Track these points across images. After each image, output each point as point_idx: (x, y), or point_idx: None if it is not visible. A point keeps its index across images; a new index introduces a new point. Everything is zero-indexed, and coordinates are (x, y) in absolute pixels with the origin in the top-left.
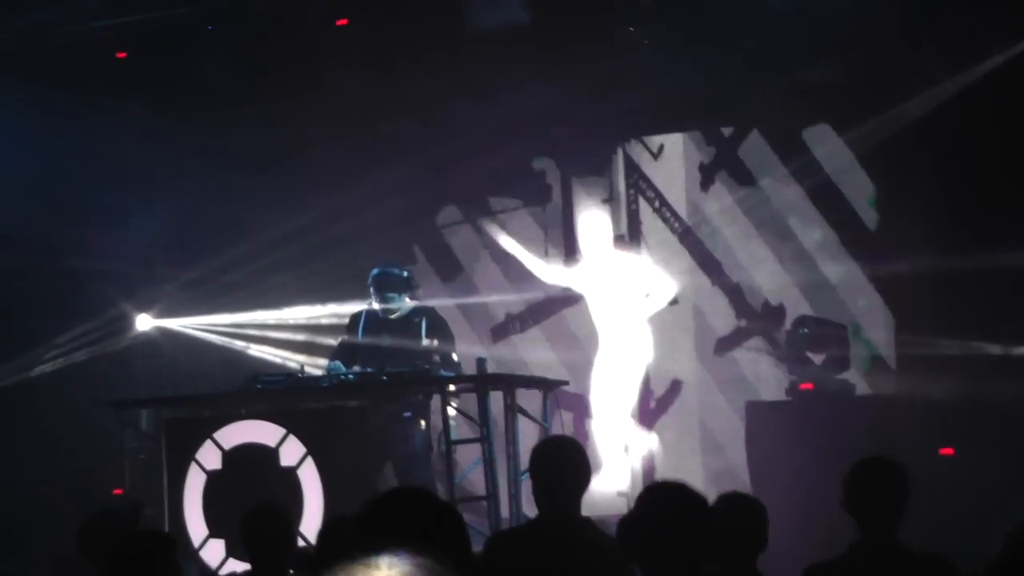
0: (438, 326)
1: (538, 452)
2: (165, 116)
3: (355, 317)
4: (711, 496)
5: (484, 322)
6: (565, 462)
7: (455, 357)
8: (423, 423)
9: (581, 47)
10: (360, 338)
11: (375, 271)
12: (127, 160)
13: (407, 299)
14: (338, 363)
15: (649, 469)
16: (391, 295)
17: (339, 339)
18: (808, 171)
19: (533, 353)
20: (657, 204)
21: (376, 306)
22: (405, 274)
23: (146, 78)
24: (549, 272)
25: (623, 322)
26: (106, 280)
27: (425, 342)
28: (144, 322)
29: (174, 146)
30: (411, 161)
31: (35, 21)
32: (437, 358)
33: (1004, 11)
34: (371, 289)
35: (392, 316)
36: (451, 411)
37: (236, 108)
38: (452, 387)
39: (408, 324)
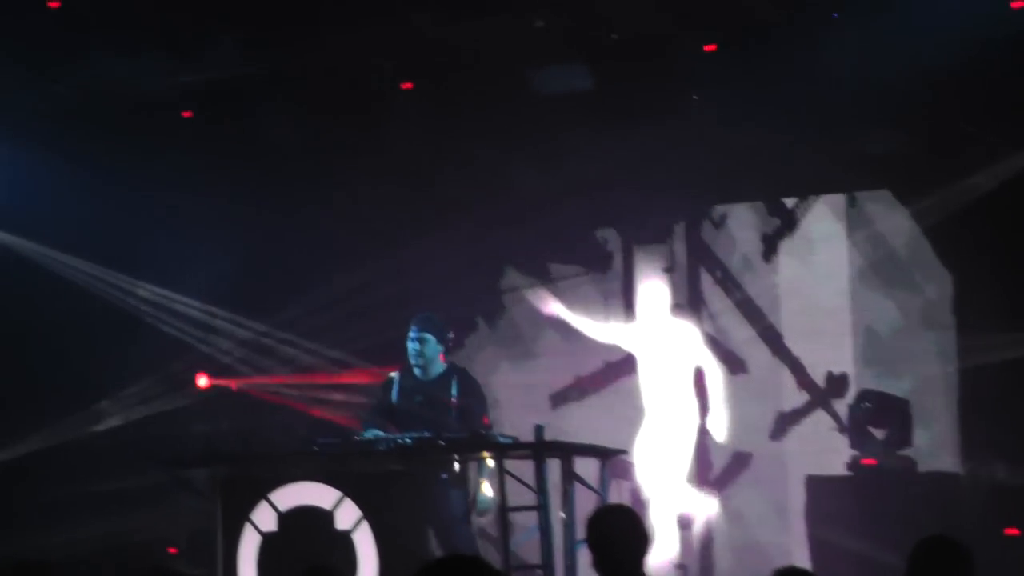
0: (469, 386)
1: (595, 521)
2: (227, 174)
3: (389, 379)
4: (767, 571)
5: (542, 388)
6: (623, 531)
7: (487, 420)
8: (461, 487)
9: (645, 114)
10: (395, 399)
11: (421, 314)
12: (188, 217)
13: (440, 357)
14: (376, 430)
15: (707, 541)
16: (428, 335)
17: (372, 402)
18: (872, 243)
19: (591, 421)
20: (718, 274)
21: (410, 348)
22: (444, 326)
23: (210, 136)
24: (607, 338)
25: (679, 391)
26: (165, 337)
27: (455, 402)
28: (202, 381)
29: (234, 204)
30: (471, 225)
31: (104, 76)
32: (473, 420)
33: None
34: (410, 329)
35: (424, 377)
36: (484, 479)
37: (298, 168)
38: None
39: (440, 385)
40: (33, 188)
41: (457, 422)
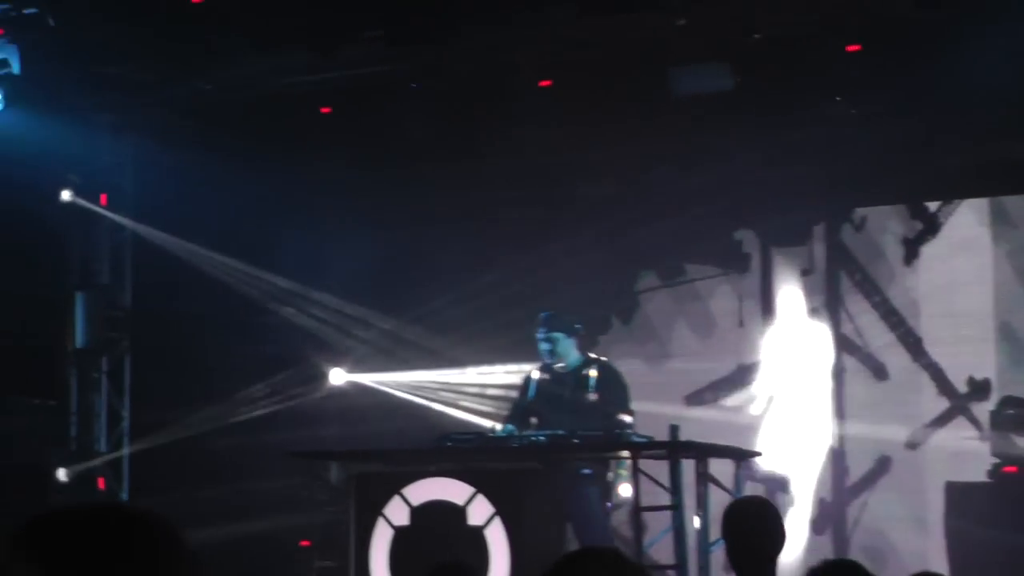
0: (609, 379)
1: (732, 511)
2: (363, 170)
3: (527, 377)
4: None
5: (677, 388)
6: (759, 522)
7: (627, 418)
8: (601, 482)
9: (786, 116)
10: (532, 397)
11: (544, 313)
12: (324, 213)
13: (575, 349)
14: (511, 427)
15: (842, 545)
16: (556, 335)
17: (513, 400)
18: (1018, 248)
19: (725, 422)
20: (857, 277)
21: (541, 349)
22: (572, 320)
23: (348, 132)
24: (743, 339)
25: (815, 395)
26: (300, 332)
27: (592, 396)
28: (337, 376)
29: (371, 200)
30: (609, 224)
31: (242, 74)
32: (612, 410)
33: None
34: (538, 330)
35: (561, 370)
36: (620, 474)
37: (434, 165)
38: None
39: (577, 377)
40: (175, 185)
41: (596, 416)
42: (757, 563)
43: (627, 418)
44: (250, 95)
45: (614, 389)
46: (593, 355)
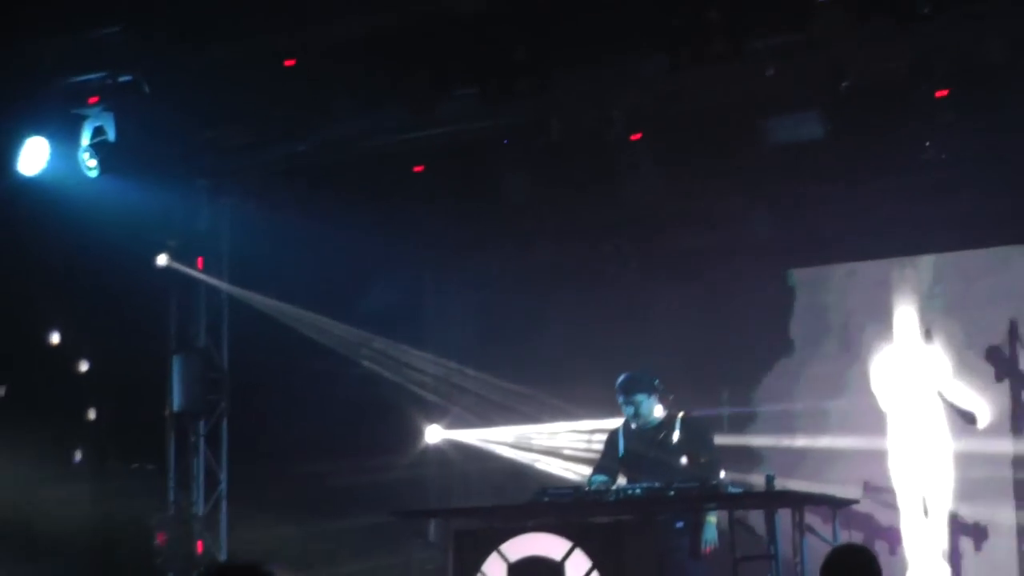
0: (693, 432)
1: (831, 561)
2: (461, 228)
3: (613, 433)
4: None
5: (772, 437)
6: (859, 570)
7: (718, 469)
8: (694, 535)
9: (877, 162)
10: (623, 451)
11: (621, 376)
12: (423, 272)
13: (657, 406)
14: (601, 476)
15: None
16: (639, 396)
17: (602, 455)
18: None
19: (824, 470)
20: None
21: (625, 413)
22: (650, 378)
23: (442, 190)
24: (849, 387)
25: (927, 447)
26: (398, 390)
27: (681, 458)
28: (434, 433)
29: (469, 259)
30: (711, 275)
31: (336, 134)
32: (703, 460)
33: None
34: (619, 396)
35: (645, 427)
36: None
37: (532, 220)
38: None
39: (659, 432)
40: (271, 246)
41: (687, 469)
42: None
43: (720, 471)
44: (345, 156)
45: (699, 442)
46: (675, 411)
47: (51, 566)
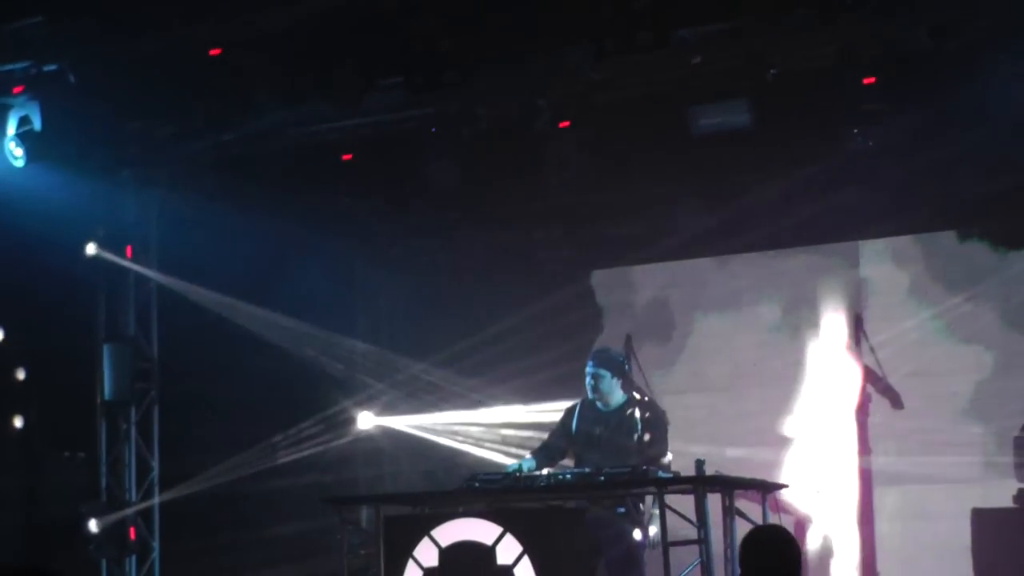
0: (654, 422)
1: (748, 540)
2: (390, 217)
3: (570, 411)
4: None
5: (704, 421)
6: (774, 547)
7: (667, 458)
8: (636, 521)
9: (804, 149)
10: (575, 429)
11: (597, 347)
12: (351, 259)
13: (619, 388)
14: (531, 461)
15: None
16: (604, 371)
17: (552, 429)
18: None
19: (753, 454)
20: (877, 309)
21: (587, 382)
22: (621, 359)
23: (371, 180)
24: (771, 373)
25: (841, 425)
26: (328, 378)
27: (643, 437)
28: (365, 420)
29: (397, 247)
30: (635, 264)
31: (263, 125)
32: (653, 452)
33: None
34: (588, 363)
35: (605, 408)
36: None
37: (459, 210)
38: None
39: (621, 417)
40: (200, 236)
41: (637, 457)
42: None
43: (667, 458)
44: (272, 146)
45: (659, 430)
46: (637, 395)
47: None
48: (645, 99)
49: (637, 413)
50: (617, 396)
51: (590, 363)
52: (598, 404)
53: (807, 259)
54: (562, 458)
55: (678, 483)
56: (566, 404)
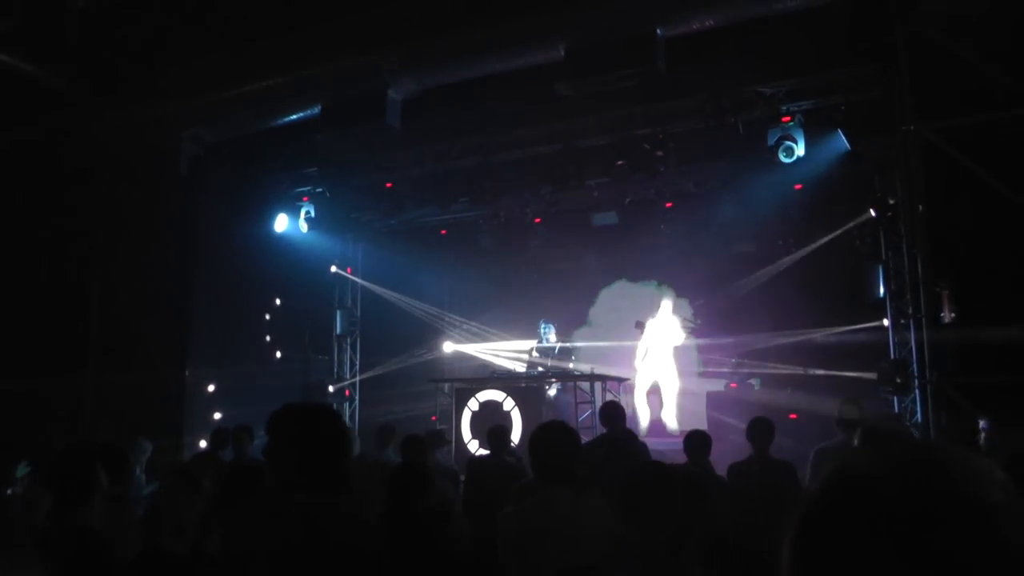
0: (565, 352)
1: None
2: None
3: (532, 349)
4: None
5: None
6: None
7: (571, 366)
8: (568, 393)
9: None
10: (533, 355)
11: (544, 323)
12: (449, 274)
13: (553, 333)
14: (528, 369)
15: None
16: (548, 326)
17: (529, 351)
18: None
19: (614, 365)
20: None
21: (542, 334)
22: (552, 325)
23: (460, 246)
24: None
25: (662, 353)
26: (425, 323)
27: (566, 359)
28: (448, 346)
29: (492, 257)
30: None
31: (408, 216)
32: (571, 365)
33: None
34: (541, 324)
35: (545, 346)
36: (554, 390)
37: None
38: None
39: (552, 350)
40: (383, 264)
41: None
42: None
43: (570, 364)
44: (411, 225)
45: (569, 353)
46: (559, 337)
47: None
48: None
49: (558, 349)
50: (549, 339)
51: (542, 324)
52: (542, 342)
53: None
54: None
55: (582, 378)
56: (528, 342)
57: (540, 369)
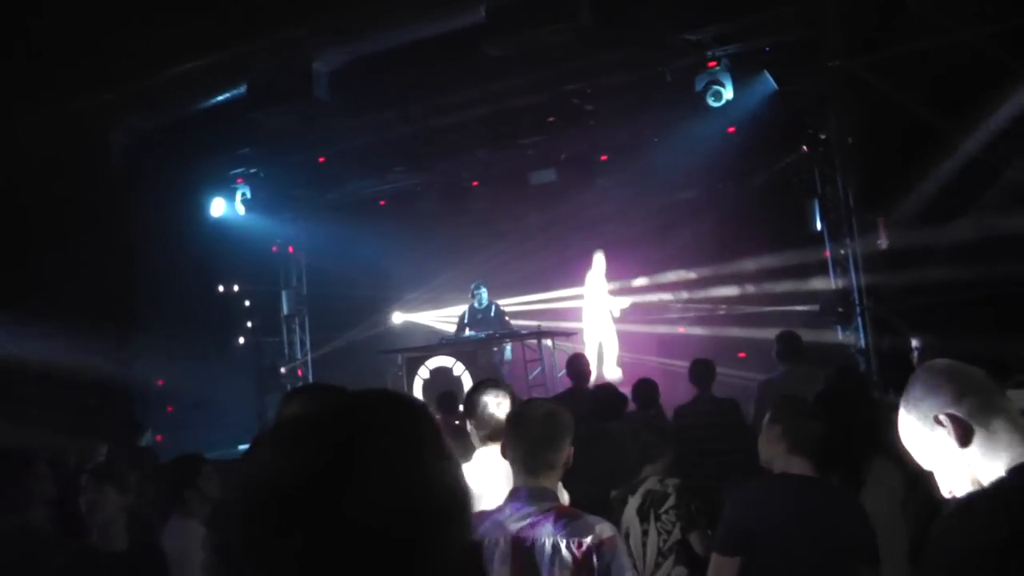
0: (500, 312)
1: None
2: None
3: (464, 312)
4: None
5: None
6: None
7: (508, 325)
8: (508, 353)
9: None
10: (467, 320)
11: (477, 284)
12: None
13: (485, 295)
14: (459, 332)
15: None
16: (483, 289)
17: (459, 321)
18: None
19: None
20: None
21: (478, 295)
22: (485, 285)
23: (396, 217)
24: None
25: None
26: (373, 296)
27: (499, 321)
28: (397, 316)
29: (442, 227)
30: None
31: (348, 189)
32: (505, 320)
33: None
34: (474, 287)
35: (480, 307)
36: (508, 349)
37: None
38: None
39: (487, 312)
40: (324, 241)
41: (497, 327)
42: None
43: (508, 325)
44: (350, 199)
45: (503, 317)
46: (492, 302)
47: None
48: None
49: (493, 310)
50: (485, 301)
51: (474, 286)
52: (475, 304)
53: None
54: (464, 331)
55: (530, 336)
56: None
57: (485, 333)
